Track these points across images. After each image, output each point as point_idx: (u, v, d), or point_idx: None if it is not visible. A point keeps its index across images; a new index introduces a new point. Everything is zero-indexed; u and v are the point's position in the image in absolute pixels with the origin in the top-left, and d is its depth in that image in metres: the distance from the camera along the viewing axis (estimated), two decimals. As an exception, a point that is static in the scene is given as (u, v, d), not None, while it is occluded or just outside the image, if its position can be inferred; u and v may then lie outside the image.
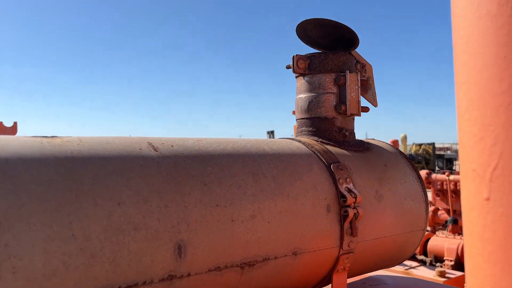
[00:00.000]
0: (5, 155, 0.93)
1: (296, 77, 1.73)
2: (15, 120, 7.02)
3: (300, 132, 1.70)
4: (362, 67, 1.85)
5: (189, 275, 1.09)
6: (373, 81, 1.97)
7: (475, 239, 0.61)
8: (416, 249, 1.71)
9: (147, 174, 1.09)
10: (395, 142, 12.05)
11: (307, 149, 1.49)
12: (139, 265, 1.01)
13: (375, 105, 1.97)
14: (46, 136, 1.10)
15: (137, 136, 1.23)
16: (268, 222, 1.24)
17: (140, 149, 1.14)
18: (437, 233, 8.13)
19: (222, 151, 1.29)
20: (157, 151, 1.16)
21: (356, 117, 1.75)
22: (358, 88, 1.63)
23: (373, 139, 1.87)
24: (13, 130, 6.82)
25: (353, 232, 1.40)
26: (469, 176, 0.61)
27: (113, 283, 0.97)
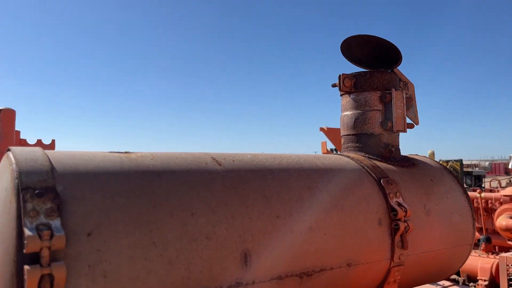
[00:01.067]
0: (93, 169, 1.03)
1: (341, 95, 1.79)
2: (53, 138, 7.30)
3: (346, 148, 1.76)
4: (404, 85, 1.90)
5: (253, 283, 1.15)
6: (414, 99, 2.01)
7: None
8: (463, 264, 1.73)
9: (214, 187, 1.16)
10: (423, 159, 11.86)
11: (356, 164, 1.55)
12: (211, 272, 1.07)
13: (416, 123, 2.01)
14: (120, 152, 1.19)
15: (200, 152, 1.32)
16: (325, 234, 1.29)
17: (206, 163, 1.22)
18: (469, 252, 7.93)
19: (279, 166, 1.36)
20: (221, 166, 1.24)
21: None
22: (403, 105, 1.68)
23: (417, 154, 1.90)
24: (51, 148, 7.07)
25: (403, 245, 1.44)
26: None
27: (189, 288, 1.04)
